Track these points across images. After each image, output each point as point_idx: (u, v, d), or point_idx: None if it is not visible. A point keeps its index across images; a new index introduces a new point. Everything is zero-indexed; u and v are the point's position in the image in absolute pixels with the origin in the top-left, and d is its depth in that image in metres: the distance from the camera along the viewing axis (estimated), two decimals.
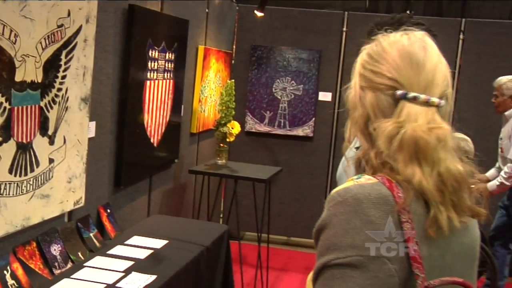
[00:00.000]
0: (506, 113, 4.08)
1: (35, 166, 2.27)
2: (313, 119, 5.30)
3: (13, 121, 2.12)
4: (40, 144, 2.30)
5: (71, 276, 2.38)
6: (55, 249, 2.44)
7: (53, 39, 2.31)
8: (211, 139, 4.74)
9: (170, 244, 2.85)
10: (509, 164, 3.88)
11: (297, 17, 5.30)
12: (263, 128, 5.35)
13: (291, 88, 5.31)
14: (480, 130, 4.91)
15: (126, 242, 2.85)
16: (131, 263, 2.56)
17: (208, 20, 4.46)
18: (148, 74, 3.26)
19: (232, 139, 4.06)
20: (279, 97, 5.34)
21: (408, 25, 1.61)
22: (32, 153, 2.26)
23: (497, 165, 4.24)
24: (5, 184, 2.10)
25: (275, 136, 5.36)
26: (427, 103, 1.03)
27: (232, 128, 4.03)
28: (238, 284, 3.60)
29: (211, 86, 4.55)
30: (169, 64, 3.55)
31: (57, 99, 2.39)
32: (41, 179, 2.32)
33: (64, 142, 2.47)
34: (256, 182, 3.96)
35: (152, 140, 3.41)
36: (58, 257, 2.44)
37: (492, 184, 3.96)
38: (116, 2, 2.90)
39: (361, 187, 1.00)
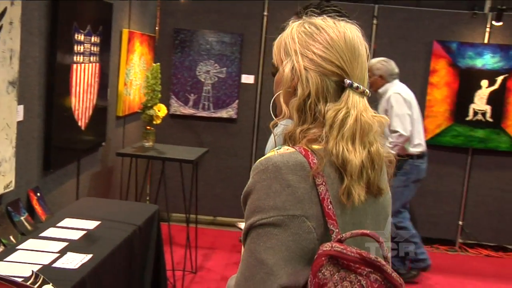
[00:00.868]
0: (380, 90, 4.46)
1: None
2: (237, 101, 5.43)
3: None
4: None
5: (5, 259, 2.38)
6: None
7: None
8: (137, 122, 4.77)
9: (102, 224, 2.90)
10: (392, 134, 4.22)
11: (219, 1, 5.38)
12: (187, 110, 5.43)
13: (215, 71, 5.41)
14: None
15: (58, 225, 2.87)
16: (65, 244, 2.60)
17: (131, 3, 4.47)
18: (75, 57, 3.26)
19: (158, 121, 4.12)
20: (203, 80, 5.42)
21: (329, 13, 1.78)
22: None
23: None
24: None
25: (200, 118, 5.46)
26: (362, 93, 1.20)
27: (159, 111, 4.08)
28: (169, 264, 3.70)
29: (136, 69, 4.57)
30: (95, 48, 3.56)
31: None
32: None
33: None
34: (184, 163, 4.05)
35: (79, 124, 3.42)
36: None
37: None
38: None
39: (280, 156, 1.14)
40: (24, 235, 2.68)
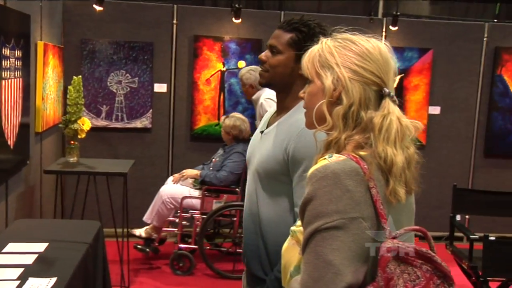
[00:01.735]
0: (253, 97, 4.66)
1: None
2: (150, 110, 5.39)
3: None
4: None
5: None
6: None
7: None
8: (52, 137, 4.58)
9: (52, 246, 2.78)
10: None
11: (127, 10, 5.31)
12: (100, 122, 5.29)
13: (126, 81, 5.33)
14: None
15: (4, 251, 2.71)
16: (21, 269, 2.47)
17: (42, 13, 4.29)
18: (3, 73, 3.09)
19: (83, 135, 4.01)
20: (115, 91, 5.32)
21: (313, 26, 1.90)
22: None
23: None
24: None
25: (114, 130, 5.34)
26: (395, 101, 1.33)
27: (83, 125, 3.97)
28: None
29: (50, 82, 4.39)
30: (18, 62, 3.39)
31: None
32: None
33: None
34: (116, 176, 3.97)
35: (9, 143, 3.24)
36: None
37: None
38: None
39: (336, 163, 1.24)
40: None
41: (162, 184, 4.91)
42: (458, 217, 4.33)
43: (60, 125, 4.15)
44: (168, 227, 4.86)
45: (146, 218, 4.71)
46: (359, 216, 1.20)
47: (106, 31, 5.27)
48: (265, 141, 1.96)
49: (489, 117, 5.67)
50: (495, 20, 5.86)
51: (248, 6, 5.75)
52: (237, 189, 4.64)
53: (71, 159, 3.99)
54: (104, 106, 5.30)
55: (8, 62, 3.18)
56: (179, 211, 4.67)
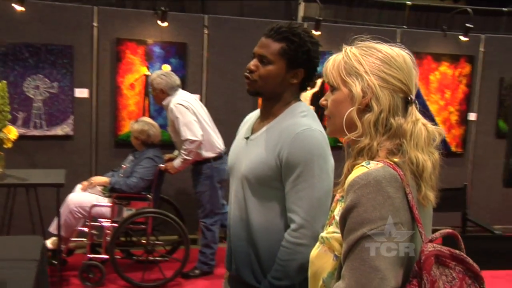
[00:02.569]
0: (163, 103, 4.59)
1: None
2: (72, 117, 5.14)
3: None
4: None
5: None
6: None
7: None
8: None
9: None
10: (186, 142, 4.40)
11: (44, 11, 5.03)
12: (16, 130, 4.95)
13: (45, 86, 5.04)
14: (229, 114, 5.50)
15: None
16: None
17: None
18: None
19: (10, 145, 3.75)
20: (32, 96, 5.01)
21: (300, 33, 1.92)
22: None
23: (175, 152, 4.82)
24: None
25: (32, 138, 5.03)
26: (417, 108, 1.37)
27: (9, 134, 3.71)
28: None
29: None
30: None
31: None
32: None
33: None
34: (54, 187, 3.75)
35: None
36: None
37: (177, 162, 4.51)
38: None
39: (377, 170, 1.26)
40: None
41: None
42: None
43: None
44: (76, 237, 4.65)
45: (52, 228, 4.45)
46: (398, 222, 1.24)
47: (21, 33, 4.95)
48: (253, 147, 1.95)
49: None
50: (405, 26, 6.20)
51: (169, 9, 5.64)
52: (148, 195, 4.53)
53: None
54: (21, 113, 4.98)
55: None
56: (88, 220, 4.48)
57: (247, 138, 2.01)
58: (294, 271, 1.80)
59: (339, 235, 1.35)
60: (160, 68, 5.25)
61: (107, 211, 4.51)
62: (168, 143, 4.98)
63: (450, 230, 1.33)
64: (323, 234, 1.44)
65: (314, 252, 1.46)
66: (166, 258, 4.77)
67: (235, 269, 1.99)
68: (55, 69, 5.04)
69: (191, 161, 4.53)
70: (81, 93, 5.18)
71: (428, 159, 1.32)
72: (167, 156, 4.86)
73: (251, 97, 5.46)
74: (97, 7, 5.17)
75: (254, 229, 1.90)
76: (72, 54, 5.08)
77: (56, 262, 4.35)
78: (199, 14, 5.51)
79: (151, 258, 4.61)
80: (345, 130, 1.39)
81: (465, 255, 1.29)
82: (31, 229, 3.78)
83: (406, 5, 6.33)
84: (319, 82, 5.72)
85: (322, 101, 1.50)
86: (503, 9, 6.81)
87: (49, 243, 4.42)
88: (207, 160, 4.61)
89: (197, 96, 4.93)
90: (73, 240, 4.63)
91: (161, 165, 4.61)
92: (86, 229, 4.52)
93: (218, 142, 4.71)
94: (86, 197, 4.54)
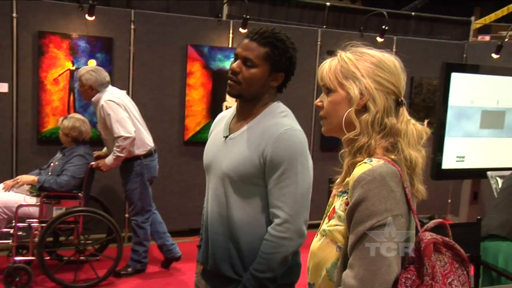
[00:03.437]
0: (93, 99, 4.50)
1: None
2: None
3: None
4: None
5: None
6: None
7: None
8: None
9: None
10: (119, 139, 4.36)
11: None
12: None
13: None
14: (156, 110, 5.48)
15: None
16: None
17: None
18: None
19: None
20: None
21: (281, 36, 2.01)
22: None
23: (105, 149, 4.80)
24: None
25: None
26: (406, 109, 1.51)
27: None
28: None
29: None
30: None
31: None
32: None
33: None
34: None
35: None
36: None
37: (110, 159, 4.47)
38: None
39: (380, 167, 1.39)
40: None
41: None
42: None
43: None
44: None
45: None
46: (399, 213, 1.37)
47: None
48: (234, 146, 2.01)
49: None
50: (324, 26, 6.45)
51: (94, 1, 5.49)
52: (79, 193, 4.44)
53: None
54: None
55: None
56: (13, 221, 4.31)
57: (226, 137, 2.06)
58: (277, 264, 1.89)
59: (342, 227, 1.47)
60: (86, 63, 5.11)
61: (35, 211, 4.35)
62: (96, 140, 4.88)
63: (441, 220, 1.48)
64: (324, 227, 1.54)
65: (315, 244, 1.56)
66: (97, 257, 4.68)
67: (213, 264, 2.04)
68: None
69: (124, 158, 4.47)
70: (1, 87, 4.94)
71: (419, 156, 1.46)
72: (96, 153, 4.76)
73: (179, 94, 5.55)
74: None
75: (235, 225, 1.97)
76: None
77: None
78: (125, 9, 5.41)
79: (82, 258, 4.50)
80: (344, 130, 1.51)
81: (453, 242, 1.44)
82: None
83: (325, 6, 6.59)
84: None
85: (317, 102, 1.59)
86: (412, 13, 7.29)
87: None
88: (138, 157, 4.57)
89: (124, 92, 4.85)
90: None
91: (93, 162, 4.51)
92: (11, 231, 4.33)
93: (148, 139, 4.68)
94: (11, 196, 4.35)
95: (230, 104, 5.79)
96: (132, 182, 4.60)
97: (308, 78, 6.16)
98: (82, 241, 4.55)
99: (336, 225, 1.49)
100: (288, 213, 1.89)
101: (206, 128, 5.66)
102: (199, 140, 5.59)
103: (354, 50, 1.53)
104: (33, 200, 4.38)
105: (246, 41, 2.00)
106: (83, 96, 4.56)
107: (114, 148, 4.39)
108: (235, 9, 6.07)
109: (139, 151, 4.56)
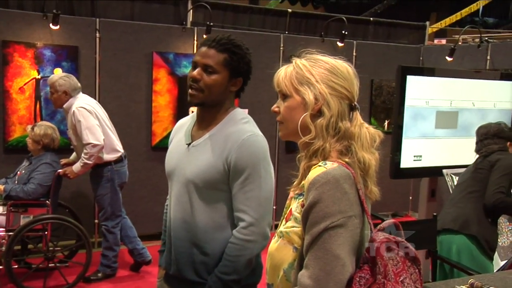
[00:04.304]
0: (64, 106, 4.54)
1: None
2: None
3: None
4: None
5: None
6: None
7: None
8: None
9: None
10: (88, 146, 4.41)
11: None
12: None
13: None
14: (123, 117, 5.55)
15: None
16: None
17: None
18: None
19: None
20: None
21: (237, 43, 2.10)
22: None
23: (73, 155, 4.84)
24: None
25: None
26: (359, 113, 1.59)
27: None
28: None
29: None
30: None
31: None
32: None
33: None
34: None
35: None
36: None
37: (77, 166, 4.52)
38: None
39: (334, 169, 1.44)
40: None
41: None
42: None
43: None
44: None
45: None
46: (352, 214, 1.42)
47: None
48: (197, 153, 2.06)
49: None
50: (286, 32, 6.62)
51: (60, 11, 5.53)
52: (47, 201, 4.48)
53: None
54: None
55: None
56: None
57: (188, 144, 2.11)
58: (242, 266, 1.96)
59: (298, 229, 1.52)
60: (51, 72, 5.15)
61: (2, 219, 4.37)
62: (63, 147, 4.93)
63: (394, 220, 1.56)
64: (282, 228, 1.60)
65: (273, 245, 1.61)
66: (66, 263, 4.72)
67: (176, 269, 2.10)
68: None
69: (91, 165, 4.53)
70: None
71: (372, 158, 1.53)
72: (64, 161, 4.80)
73: (145, 100, 5.64)
74: None
75: (200, 230, 2.02)
76: None
77: None
78: (90, 18, 5.46)
79: (51, 265, 4.53)
80: (300, 134, 1.57)
81: (405, 241, 1.49)
82: None
83: (287, 12, 6.75)
84: None
85: (274, 108, 1.65)
86: (370, 18, 7.52)
87: None
88: (108, 163, 4.63)
89: (95, 100, 4.91)
90: None
91: (60, 170, 4.56)
92: None
93: (119, 145, 4.75)
94: None
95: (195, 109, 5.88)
96: (102, 188, 4.66)
97: (272, 83, 6.24)
98: (51, 248, 4.58)
99: (293, 226, 1.55)
100: (253, 216, 1.95)
101: None
102: (167, 146, 5.48)
103: (309, 57, 1.59)
104: None
105: (204, 48, 2.04)
106: (55, 103, 4.56)
107: (82, 155, 4.44)
108: (199, 17, 6.18)
109: (110, 157, 4.62)
